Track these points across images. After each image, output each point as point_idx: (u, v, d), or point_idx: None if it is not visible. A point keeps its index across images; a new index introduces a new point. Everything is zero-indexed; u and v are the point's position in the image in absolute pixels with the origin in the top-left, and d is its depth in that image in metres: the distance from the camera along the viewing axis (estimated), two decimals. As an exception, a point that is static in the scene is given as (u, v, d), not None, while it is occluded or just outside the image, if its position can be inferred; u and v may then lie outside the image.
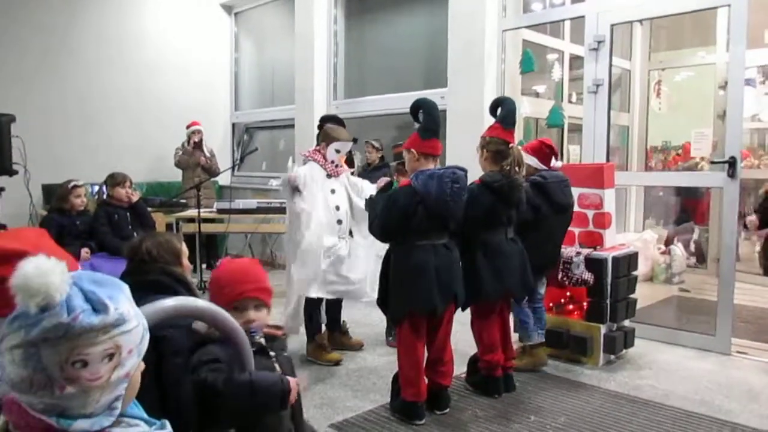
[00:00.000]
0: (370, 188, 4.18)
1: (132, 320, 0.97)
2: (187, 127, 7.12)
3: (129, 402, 1.02)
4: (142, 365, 1.05)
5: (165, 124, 7.52)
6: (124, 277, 2.10)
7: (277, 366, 1.84)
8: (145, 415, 1.07)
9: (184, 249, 2.25)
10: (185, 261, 2.24)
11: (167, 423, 1.09)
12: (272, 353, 1.86)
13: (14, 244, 1.34)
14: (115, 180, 4.80)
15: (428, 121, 3.19)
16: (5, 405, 0.95)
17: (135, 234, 4.68)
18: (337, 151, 4.07)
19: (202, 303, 1.48)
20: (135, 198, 4.83)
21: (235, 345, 1.58)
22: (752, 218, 3.89)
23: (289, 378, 1.73)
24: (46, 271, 0.89)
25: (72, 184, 4.75)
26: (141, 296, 1.88)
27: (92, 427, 0.93)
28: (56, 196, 4.81)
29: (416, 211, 3.05)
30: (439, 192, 3.03)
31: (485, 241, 3.39)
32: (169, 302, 1.36)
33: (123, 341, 0.95)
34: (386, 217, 3.11)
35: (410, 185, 3.08)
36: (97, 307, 0.93)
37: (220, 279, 1.86)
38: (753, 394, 3.58)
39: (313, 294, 3.91)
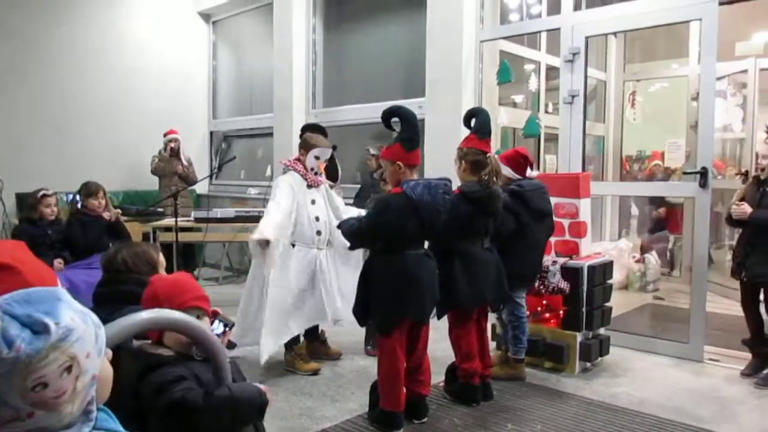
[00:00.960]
0: (347, 210, 4.20)
1: (78, 327, 0.95)
2: (165, 135, 7.07)
3: (101, 401, 1.03)
4: (109, 352, 1.05)
5: (142, 132, 7.46)
6: (99, 287, 2.09)
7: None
8: (119, 428, 1.07)
9: (161, 260, 2.24)
10: (162, 272, 2.23)
11: None
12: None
13: None
14: (88, 190, 4.73)
15: (411, 132, 3.21)
16: None
17: (110, 245, 4.64)
18: (317, 158, 4.07)
19: (178, 315, 1.47)
20: (111, 217, 4.74)
21: (212, 357, 1.57)
22: (742, 206, 3.88)
23: (260, 386, 1.73)
24: None
25: (41, 193, 4.67)
26: (116, 307, 1.89)
27: None
28: (26, 205, 4.72)
29: (409, 220, 3.07)
30: (433, 202, 3.08)
31: (463, 251, 3.44)
32: (145, 315, 1.36)
33: (77, 350, 0.93)
34: (377, 220, 3.12)
35: (403, 193, 3.08)
36: (37, 329, 0.90)
37: (157, 295, 1.79)
38: (724, 400, 3.65)
39: (295, 332, 4.01)
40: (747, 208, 3.83)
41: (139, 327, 1.33)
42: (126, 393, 1.69)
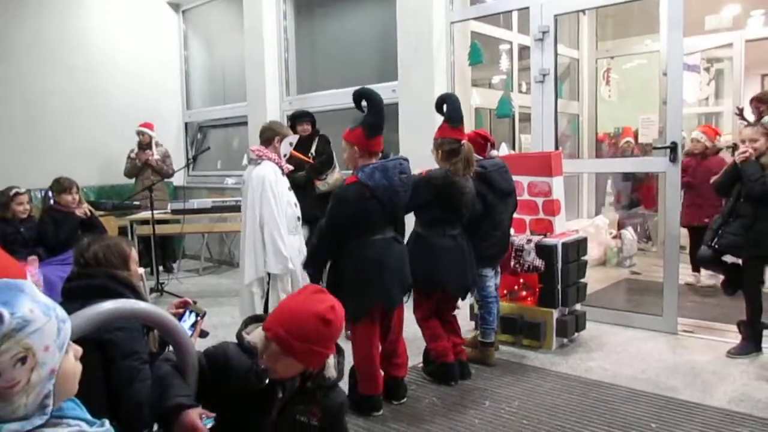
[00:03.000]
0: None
1: (38, 319, 0.96)
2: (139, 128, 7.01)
3: (65, 397, 1.03)
4: (79, 349, 1.06)
5: (115, 126, 7.38)
6: (68, 282, 2.10)
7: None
8: (87, 416, 1.09)
9: (134, 254, 2.25)
10: (134, 266, 2.24)
11: (107, 422, 1.11)
12: None
13: None
14: (61, 186, 4.70)
15: (376, 118, 3.19)
16: None
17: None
18: (291, 144, 4.14)
19: (141, 305, 1.50)
20: (82, 213, 4.71)
21: (176, 346, 1.60)
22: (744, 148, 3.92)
23: (192, 409, 1.57)
24: None
25: (13, 191, 4.63)
26: (85, 301, 1.90)
27: (23, 428, 0.94)
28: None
29: (368, 206, 3.09)
30: (390, 185, 3.11)
31: (421, 234, 3.55)
32: (108, 305, 1.38)
33: (33, 342, 0.95)
34: (337, 217, 3.14)
35: (358, 181, 3.12)
36: None
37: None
38: (696, 371, 3.74)
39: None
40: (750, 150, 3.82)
41: (104, 317, 1.35)
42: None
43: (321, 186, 5.36)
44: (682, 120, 4.48)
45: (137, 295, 2.07)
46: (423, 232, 3.55)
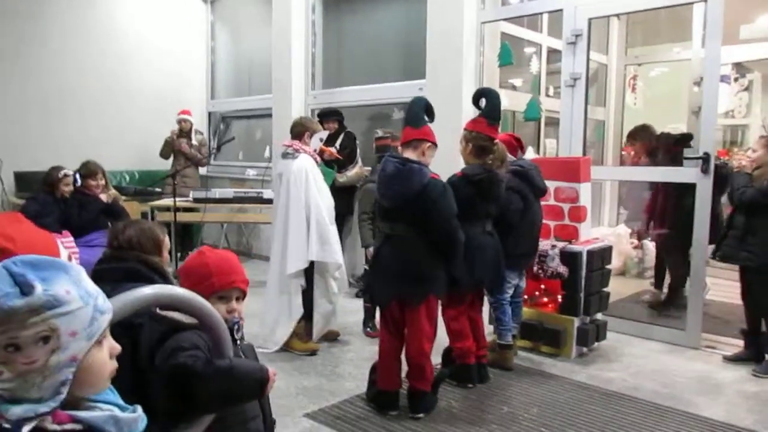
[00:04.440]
0: None
1: (72, 302, 0.94)
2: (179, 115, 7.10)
3: (89, 391, 1.00)
4: (117, 348, 1.03)
5: (145, 113, 7.43)
6: (99, 264, 2.08)
7: (241, 353, 1.84)
8: (119, 401, 1.06)
9: (166, 241, 2.23)
10: (165, 253, 2.21)
11: (139, 408, 1.08)
12: (237, 341, 1.85)
13: None
14: (87, 170, 4.73)
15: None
16: None
17: (108, 224, 4.63)
18: (321, 140, 4.26)
19: (180, 291, 1.46)
20: (108, 198, 4.75)
21: (213, 332, 1.57)
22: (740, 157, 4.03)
23: (268, 367, 1.73)
24: None
25: (62, 172, 4.70)
26: (115, 284, 1.88)
27: (25, 414, 0.90)
28: (43, 182, 4.74)
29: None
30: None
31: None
32: (147, 290, 1.34)
33: (60, 323, 0.92)
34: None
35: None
36: (25, 290, 0.90)
37: (208, 266, 1.81)
38: (720, 388, 3.66)
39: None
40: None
41: (142, 302, 1.32)
42: (144, 358, 1.70)
43: (340, 179, 5.36)
44: (715, 131, 4.39)
45: (166, 280, 2.04)
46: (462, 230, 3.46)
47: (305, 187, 3.99)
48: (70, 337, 0.93)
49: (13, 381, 0.90)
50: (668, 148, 5.16)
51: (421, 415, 3.19)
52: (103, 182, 4.76)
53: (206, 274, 1.78)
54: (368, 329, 4.55)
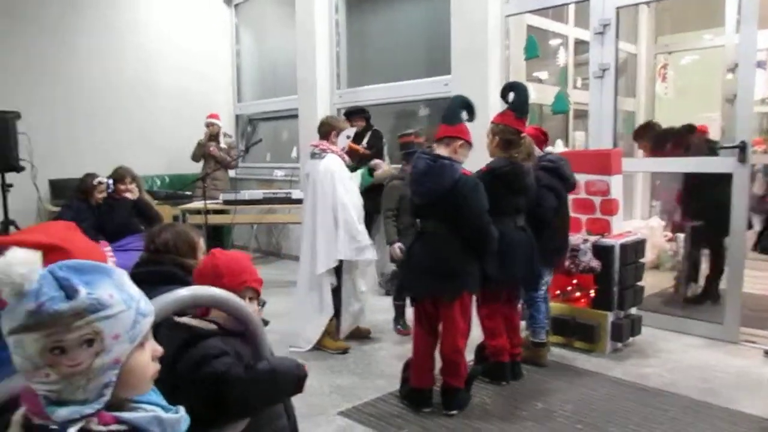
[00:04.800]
0: None
1: (115, 306, 0.96)
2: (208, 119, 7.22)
3: (132, 393, 1.02)
4: (159, 350, 1.06)
5: (170, 117, 7.55)
6: (137, 267, 2.13)
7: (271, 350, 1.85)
8: (163, 402, 1.08)
9: (201, 244, 2.26)
10: (200, 255, 2.25)
11: (182, 409, 1.10)
12: None
13: (41, 238, 1.36)
14: (116, 174, 4.84)
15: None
16: (22, 393, 0.98)
17: (141, 228, 4.73)
18: (348, 137, 4.27)
19: (218, 291, 1.49)
20: (131, 195, 4.83)
21: (250, 333, 1.59)
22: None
23: (300, 361, 1.75)
24: (11, 262, 0.91)
25: (97, 180, 4.80)
26: (151, 287, 1.91)
27: (71, 416, 0.93)
28: (78, 189, 4.85)
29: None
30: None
31: None
32: (185, 291, 1.37)
33: (103, 327, 0.94)
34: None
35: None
36: (69, 293, 0.93)
37: (219, 267, 1.82)
38: (761, 383, 3.58)
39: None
40: None
41: (180, 304, 1.35)
42: (163, 365, 1.72)
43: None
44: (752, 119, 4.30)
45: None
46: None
47: (332, 186, 4.02)
48: (114, 340, 0.96)
49: (59, 383, 0.93)
50: (675, 141, 5.12)
51: (454, 411, 3.19)
52: (132, 185, 4.85)
53: (217, 275, 1.78)
54: (399, 327, 4.56)
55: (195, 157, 7.18)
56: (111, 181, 4.78)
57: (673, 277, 5.54)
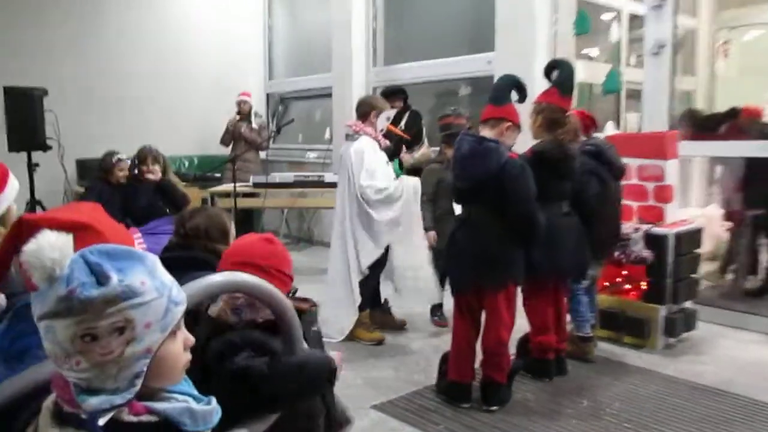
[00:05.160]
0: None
1: (147, 293, 0.96)
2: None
3: (163, 383, 1.03)
4: (191, 339, 1.07)
5: (199, 97, 7.61)
6: (165, 252, 2.15)
7: (304, 343, 1.85)
8: (194, 392, 1.10)
9: (232, 229, 2.28)
10: (231, 241, 2.27)
11: (213, 399, 1.11)
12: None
13: (74, 216, 1.38)
14: (139, 155, 4.85)
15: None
16: (53, 380, 1.00)
17: (167, 210, 4.75)
18: (388, 119, 4.21)
19: (250, 278, 1.49)
20: (153, 176, 4.84)
21: (283, 321, 1.60)
22: None
23: (334, 353, 1.75)
24: (43, 245, 0.93)
25: (116, 157, 4.83)
26: (181, 272, 1.94)
27: (101, 405, 0.94)
28: (99, 168, 4.91)
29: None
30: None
31: None
32: (217, 277, 1.38)
33: (135, 315, 0.95)
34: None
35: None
36: (101, 280, 0.94)
37: (282, 254, 1.86)
38: (828, 382, 3.48)
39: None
40: None
41: (212, 290, 1.35)
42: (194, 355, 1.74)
43: (407, 160, 5.32)
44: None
45: (231, 270, 2.10)
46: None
47: (358, 171, 3.98)
48: (145, 329, 0.96)
49: (90, 371, 0.94)
50: (718, 127, 5.01)
51: (495, 407, 3.18)
52: (155, 166, 4.85)
53: (280, 261, 1.84)
54: (436, 318, 4.55)
55: (224, 141, 7.24)
56: (132, 161, 4.80)
57: (727, 269, 5.40)
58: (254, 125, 7.14)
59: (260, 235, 1.92)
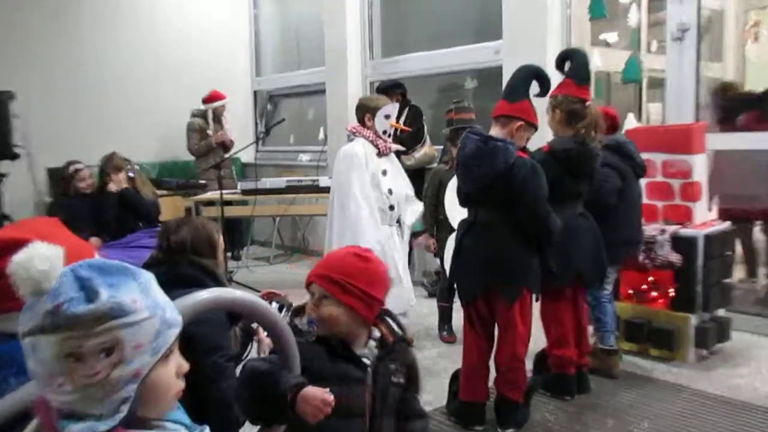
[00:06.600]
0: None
1: (138, 312, 0.99)
2: (208, 101, 7.13)
3: (152, 411, 1.05)
4: (185, 366, 1.09)
5: (178, 95, 7.59)
6: (148, 268, 2.19)
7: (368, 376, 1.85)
8: (186, 420, 1.12)
9: (221, 241, 2.31)
10: (220, 255, 2.29)
11: (207, 428, 1.14)
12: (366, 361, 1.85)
13: (18, 234, 1.41)
14: (102, 164, 4.88)
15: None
16: (36, 404, 1.01)
17: (137, 226, 4.76)
18: (387, 117, 4.08)
19: (240, 294, 1.52)
20: (115, 187, 4.84)
21: (277, 339, 1.63)
22: None
23: (309, 388, 1.67)
24: (33, 257, 0.95)
25: (73, 167, 4.86)
26: (167, 290, 1.97)
27: None
28: (59, 181, 4.95)
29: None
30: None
31: None
32: (205, 294, 1.41)
33: (124, 335, 0.97)
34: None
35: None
36: (90, 296, 0.96)
37: (378, 274, 1.88)
38: None
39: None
40: None
41: (200, 308, 1.38)
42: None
43: (406, 161, 5.33)
44: None
45: (220, 285, 2.12)
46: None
47: (348, 175, 3.95)
48: (134, 350, 0.98)
49: (74, 393, 0.96)
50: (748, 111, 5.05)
51: (511, 429, 3.20)
52: (120, 175, 4.87)
53: (371, 282, 1.87)
54: (444, 333, 4.58)
55: (199, 152, 7.06)
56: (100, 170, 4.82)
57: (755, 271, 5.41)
58: (228, 126, 7.11)
59: (357, 248, 1.95)
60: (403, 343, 1.96)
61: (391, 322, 1.95)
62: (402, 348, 1.97)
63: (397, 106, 4.30)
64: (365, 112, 4.09)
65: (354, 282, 1.81)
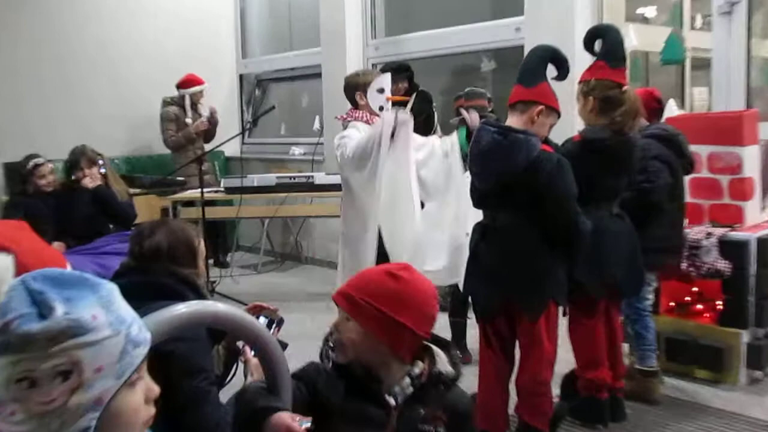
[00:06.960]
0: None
1: (99, 330, 0.98)
2: (180, 86, 7.15)
3: None
4: (155, 390, 1.08)
5: (155, 82, 7.60)
6: (118, 277, 2.18)
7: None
8: None
9: (202, 247, 2.31)
10: (201, 262, 2.29)
11: None
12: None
13: None
14: (71, 158, 4.90)
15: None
16: None
17: (106, 229, 4.78)
18: (381, 91, 4.10)
19: (224, 308, 1.52)
20: (92, 183, 4.86)
21: (265, 359, 1.63)
22: None
23: (278, 414, 1.63)
24: None
25: (32, 163, 4.88)
26: (138, 302, 1.97)
27: None
28: (17, 178, 4.96)
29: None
30: None
31: None
32: (182, 308, 1.40)
33: (83, 356, 0.96)
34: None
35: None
36: (43, 311, 0.95)
37: (406, 294, 1.83)
38: None
39: None
40: None
41: (176, 323, 1.38)
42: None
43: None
44: None
45: (200, 297, 2.12)
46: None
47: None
48: (95, 374, 0.97)
49: (26, 423, 0.95)
50: None
51: None
52: (94, 169, 4.89)
53: (401, 304, 1.84)
54: (461, 355, 4.56)
55: (177, 146, 7.10)
56: (65, 165, 4.84)
57: None
58: (205, 113, 7.15)
59: (395, 265, 1.94)
60: (444, 384, 1.88)
61: (438, 353, 1.89)
62: (440, 390, 1.88)
63: (389, 75, 4.29)
64: (355, 90, 4.13)
65: (375, 303, 1.78)
